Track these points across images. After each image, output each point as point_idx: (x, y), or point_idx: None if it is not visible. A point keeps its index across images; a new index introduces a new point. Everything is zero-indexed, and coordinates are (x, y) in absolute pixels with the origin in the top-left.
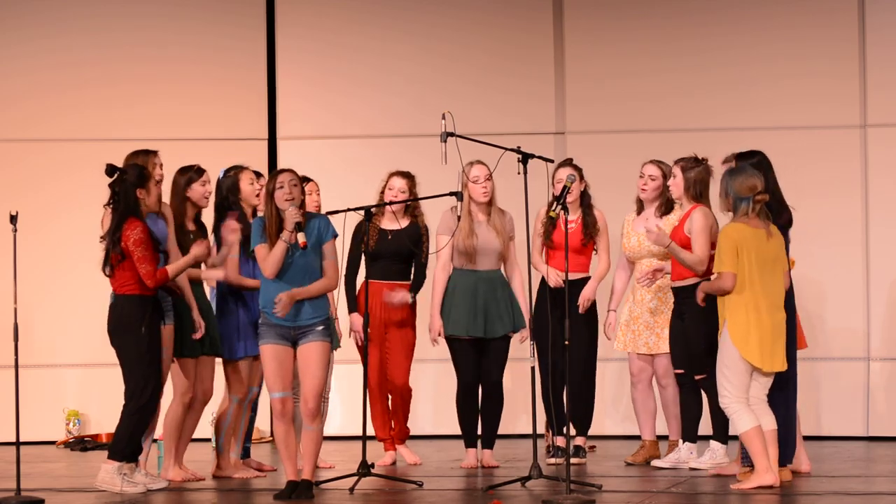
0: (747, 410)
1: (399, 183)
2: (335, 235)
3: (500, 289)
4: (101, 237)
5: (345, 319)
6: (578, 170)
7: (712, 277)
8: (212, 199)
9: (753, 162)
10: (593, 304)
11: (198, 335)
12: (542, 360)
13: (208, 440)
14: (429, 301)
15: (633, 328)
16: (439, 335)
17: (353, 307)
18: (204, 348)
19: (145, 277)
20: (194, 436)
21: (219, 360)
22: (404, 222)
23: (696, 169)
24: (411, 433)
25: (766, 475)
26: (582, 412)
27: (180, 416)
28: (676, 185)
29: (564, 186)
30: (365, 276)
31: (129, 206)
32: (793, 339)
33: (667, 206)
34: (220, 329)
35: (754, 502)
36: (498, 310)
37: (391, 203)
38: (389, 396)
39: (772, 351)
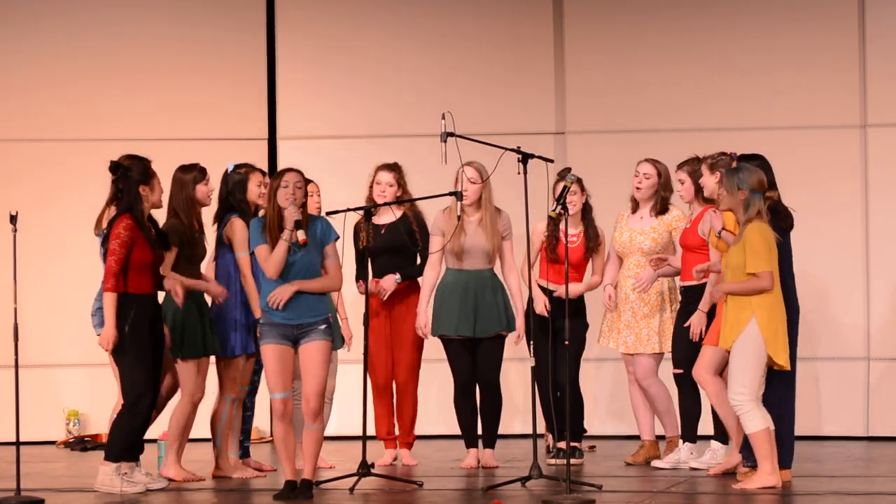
0: (760, 410)
1: (386, 177)
2: (336, 238)
3: (493, 288)
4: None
5: (352, 321)
6: (579, 180)
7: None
8: (215, 194)
9: (755, 164)
10: (582, 307)
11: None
12: (540, 363)
13: (208, 440)
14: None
15: (619, 326)
16: (426, 334)
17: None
18: (207, 349)
19: (106, 273)
20: (197, 436)
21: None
22: (397, 213)
23: (701, 170)
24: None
25: (770, 477)
26: (572, 418)
27: (188, 415)
28: (686, 189)
29: (564, 187)
30: (371, 273)
31: (130, 203)
32: (794, 339)
33: (661, 206)
34: (220, 326)
35: (755, 502)
36: (489, 309)
37: (390, 203)
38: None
39: (788, 349)
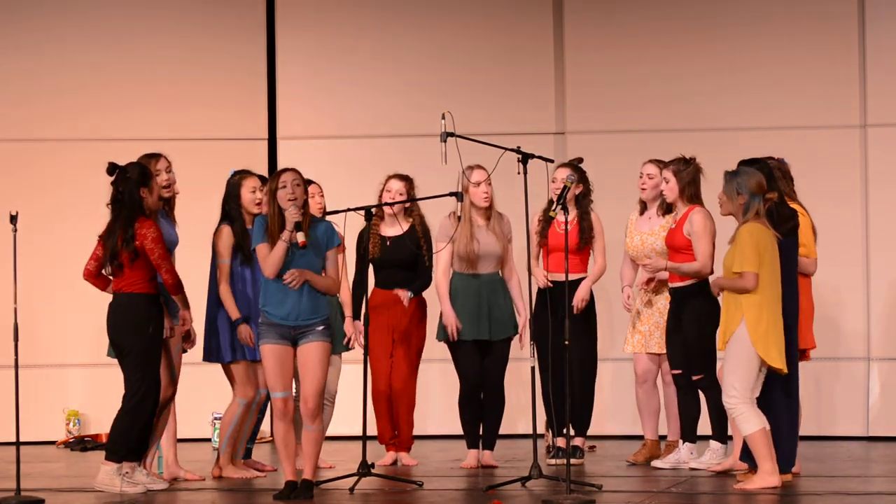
0: (754, 411)
1: (397, 185)
2: (338, 243)
3: (502, 291)
4: (101, 235)
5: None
6: (581, 171)
7: (711, 277)
8: (203, 194)
9: (756, 167)
10: (592, 305)
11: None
12: (542, 361)
13: (208, 440)
14: (435, 306)
15: (643, 329)
16: (454, 334)
17: (357, 314)
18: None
19: (168, 274)
20: (196, 436)
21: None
22: (404, 226)
23: (687, 170)
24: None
25: (770, 477)
26: (580, 413)
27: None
28: (671, 189)
29: (564, 186)
30: (374, 283)
31: (134, 205)
32: (794, 342)
33: (667, 206)
34: (213, 332)
35: (755, 502)
36: (500, 312)
37: (391, 203)
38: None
39: (783, 351)
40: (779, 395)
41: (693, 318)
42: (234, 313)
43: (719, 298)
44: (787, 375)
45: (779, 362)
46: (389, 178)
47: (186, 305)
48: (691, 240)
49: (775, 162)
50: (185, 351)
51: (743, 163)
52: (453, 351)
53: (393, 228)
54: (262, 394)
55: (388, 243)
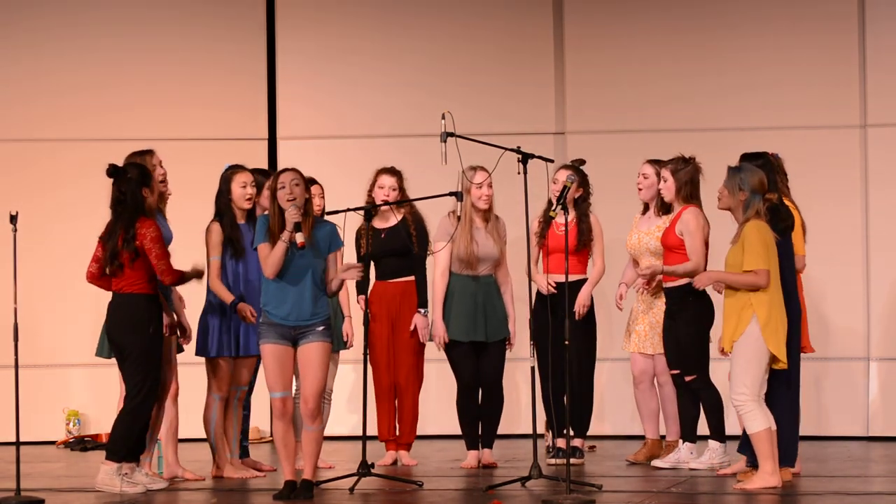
0: (763, 410)
1: (390, 181)
2: (340, 246)
3: (497, 293)
4: (101, 236)
5: (355, 318)
6: (582, 174)
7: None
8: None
9: (759, 164)
10: (591, 306)
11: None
12: (542, 362)
13: (207, 440)
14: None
15: (638, 329)
16: (445, 341)
17: (362, 291)
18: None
19: (164, 273)
20: (196, 436)
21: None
22: (398, 216)
23: (685, 169)
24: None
25: (770, 477)
26: (579, 414)
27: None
28: (668, 188)
29: (564, 187)
30: (374, 276)
31: (137, 206)
32: (795, 336)
33: (664, 206)
34: (203, 328)
35: (755, 502)
36: (496, 313)
37: (390, 203)
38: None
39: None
40: (781, 390)
41: (687, 319)
42: (228, 297)
43: (707, 291)
44: (790, 371)
45: (783, 357)
46: (379, 173)
47: (189, 278)
48: (684, 239)
49: (770, 157)
50: (181, 349)
51: (745, 156)
52: (449, 352)
53: (387, 221)
54: (241, 390)
55: (382, 235)
